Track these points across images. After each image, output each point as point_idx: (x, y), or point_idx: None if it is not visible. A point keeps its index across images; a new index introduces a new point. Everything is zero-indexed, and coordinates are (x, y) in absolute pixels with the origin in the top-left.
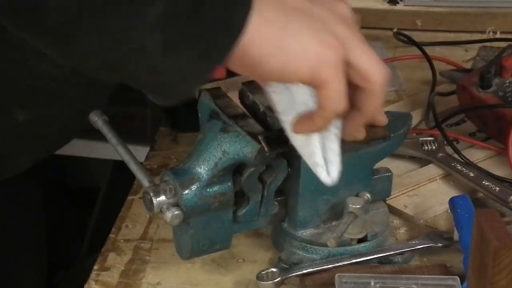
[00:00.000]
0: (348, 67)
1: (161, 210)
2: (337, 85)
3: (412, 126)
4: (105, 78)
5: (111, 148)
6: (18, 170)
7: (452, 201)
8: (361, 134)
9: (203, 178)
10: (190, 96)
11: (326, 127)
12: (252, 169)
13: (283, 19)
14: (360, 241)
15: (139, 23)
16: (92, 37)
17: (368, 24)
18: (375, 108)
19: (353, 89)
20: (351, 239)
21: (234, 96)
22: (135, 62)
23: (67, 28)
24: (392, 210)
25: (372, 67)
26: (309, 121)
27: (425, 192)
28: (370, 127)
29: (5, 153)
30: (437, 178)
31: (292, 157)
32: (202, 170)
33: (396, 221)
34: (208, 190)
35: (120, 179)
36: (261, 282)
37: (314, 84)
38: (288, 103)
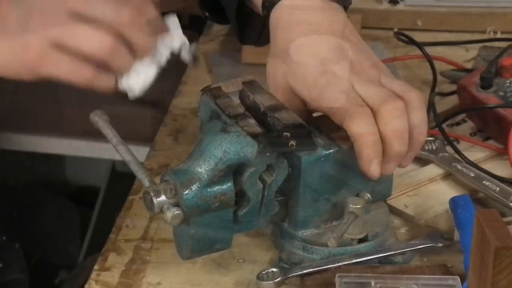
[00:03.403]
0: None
1: (161, 210)
2: (63, 65)
3: None
4: None
5: (111, 148)
6: None
7: (453, 201)
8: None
9: (203, 178)
10: None
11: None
12: (253, 169)
13: None
14: (360, 241)
15: None
16: None
17: (369, 24)
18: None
19: None
20: (352, 239)
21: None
22: None
23: None
24: (393, 210)
25: (88, 38)
26: None
27: (425, 192)
28: None
29: None
30: (438, 178)
31: (292, 157)
32: (203, 170)
33: (396, 221)
34: (208, 190)
35: (120, 179)
36: (262, 282)
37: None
38: None
